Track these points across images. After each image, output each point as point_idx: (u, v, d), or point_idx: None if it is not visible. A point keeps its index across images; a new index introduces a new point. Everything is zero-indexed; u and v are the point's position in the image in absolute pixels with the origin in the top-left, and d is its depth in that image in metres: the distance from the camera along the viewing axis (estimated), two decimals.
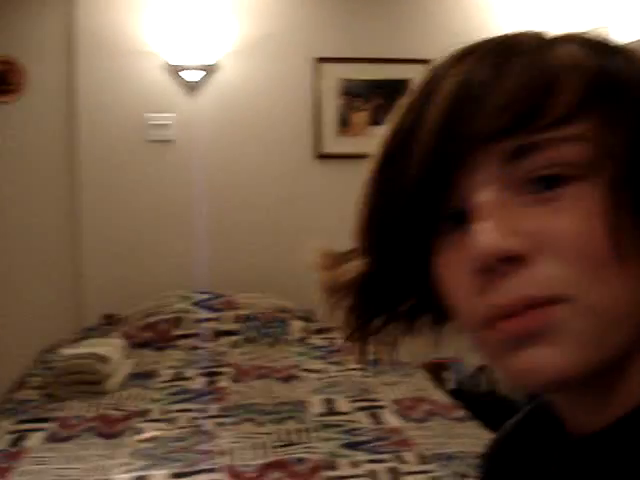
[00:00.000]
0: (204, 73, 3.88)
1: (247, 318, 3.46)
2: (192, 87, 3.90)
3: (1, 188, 3.88)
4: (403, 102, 0.56)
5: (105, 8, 3.81)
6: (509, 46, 0.52)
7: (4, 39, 3.84)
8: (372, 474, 1.96)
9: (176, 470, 1.99)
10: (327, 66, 3.99)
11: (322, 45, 4.00)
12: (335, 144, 4.02)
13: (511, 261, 0.47)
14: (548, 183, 0.48)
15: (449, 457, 2.05)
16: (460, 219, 0.51)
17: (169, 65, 3.86)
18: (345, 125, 4.02)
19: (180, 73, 3.86)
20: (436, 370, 4.03)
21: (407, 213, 0.53)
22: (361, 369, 2.97)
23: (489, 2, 4.10)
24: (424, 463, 2.02)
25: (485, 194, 0.49)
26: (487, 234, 0.47)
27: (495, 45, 0.53)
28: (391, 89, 4.02)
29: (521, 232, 0.47)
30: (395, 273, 0.58)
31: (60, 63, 3.86)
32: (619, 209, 0.47)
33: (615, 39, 0.54)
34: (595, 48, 0.51)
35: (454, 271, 0.51)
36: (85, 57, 3.81)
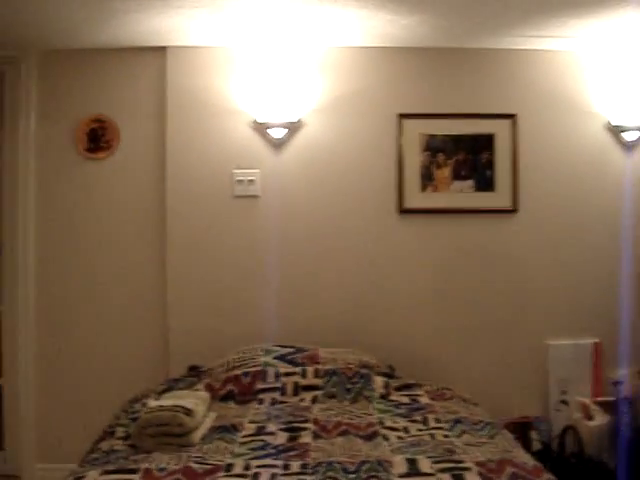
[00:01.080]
0: (288, 130, 3.97)
1: (329, 373, 3.46)
2: (277, 144, 3.99)
3: (93, 240, 4.03)
4: None
5: (195, 69, 3.96)
6: None
7: (99, 98, 4.03)
8: None
9: None
10: (410, 122, 4.03)
11: (405, 101, 4.05)
12: (418, 199, 4.02)
13: None
14: None
15: None
16: None
17: (255, 123, 3.96)
18: (428, 180, 4.03)
19: (266, 130, 3.96)
20: (521, 429, 3.93)
21: None
22: (444, 429, 2.92)
23: (572, 62, 4.08)
24: None
25: None
26: None
27: None
28: (473, 144, 4.03)
29: None
30: None
31: (151, 121, 4.02)
32: None
33: None
34: None
35: None
36: (175, 116, 3.96)
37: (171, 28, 3.65)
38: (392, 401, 3.36)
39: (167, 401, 2.94)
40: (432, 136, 4.04)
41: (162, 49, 3.97)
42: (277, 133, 3.96)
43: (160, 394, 3.34)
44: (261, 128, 3.98)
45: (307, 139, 4.03)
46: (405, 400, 3.37)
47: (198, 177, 3.99)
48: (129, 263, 4.04)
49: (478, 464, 2.50)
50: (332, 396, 3.36)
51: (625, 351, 4.09)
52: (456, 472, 2.42)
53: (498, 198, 4.06)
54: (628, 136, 4.07)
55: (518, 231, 4.06)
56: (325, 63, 4.02)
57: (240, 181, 3.99)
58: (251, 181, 3.99)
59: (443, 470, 2.44)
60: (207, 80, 3.97)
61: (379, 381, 3.50)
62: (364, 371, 3.52)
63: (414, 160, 4.04)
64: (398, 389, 3.51)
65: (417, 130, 4.04)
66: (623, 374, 4.02)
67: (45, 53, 4.02)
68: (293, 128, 3.99)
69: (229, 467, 2.51)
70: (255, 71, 3.96)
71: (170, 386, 3.51)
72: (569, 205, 4.10)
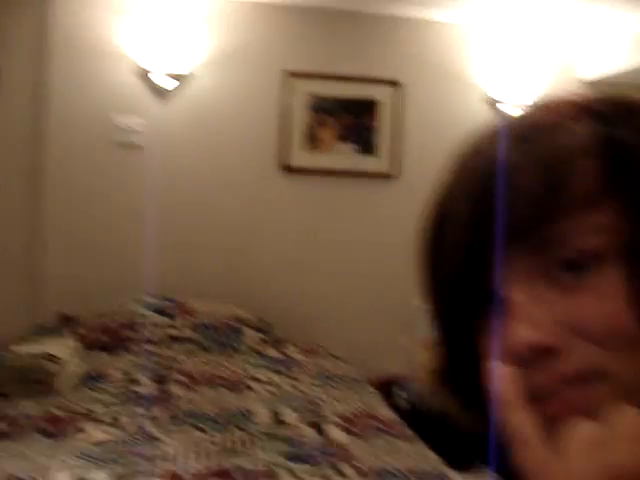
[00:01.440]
0: (176, 82, 3.91)
1: (201, 325, 3.48)
2: (163, 94, 3.93)
3: None
4: (444, 180, 0.59)
5: (80, 9, 3.82)
6: (526, 136, 0.54)
7: None
8: None
9: (117, 473, 2.01)
10: (297, 81, 4.04)
11: (295, 60, 4.05)
12: (301, 158, 4.06)
13: (548, 352, 0.50)
14: (575, 271, 0.50)
15: (387, 473, 2.09)
16: (499, 303, 0.53)
17: (143, 71, 3.88)
18: (313, 140, 4.07)
19: (153, 80, 3.88)
20: (388, 387, 4.08)
21: (449, 295, 0.56)
22: (311, 383, 3.01)
23: (461, 32, 4.19)
24: (362, 478, 2.06)
25: (517, 292, 0.52)
26: (524, 328, 0.50)
27: (515, 134, 0.55)
28: (359, 108, 4.09)
29: (553, 324, 0.50)
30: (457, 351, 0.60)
31: (32, 62, 3.86)
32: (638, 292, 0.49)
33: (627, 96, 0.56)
34: (609, 120, 0.53)
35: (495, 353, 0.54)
36: (57, 57, 3.82)
37: None
38: (263, 355, 3.43)
39: (34, 348, 2.90)
40: (319, 97, 4.07)
41: None
42: (164, 83, 3.89)
43: (27, 341, 3.28)
44: (148, 77, 3.89)
45: (195, 91, 3.98)
46: (276, 354, 3.44)
47: (80, 122, 3.88)
48: (1, 207, 3.90)
49: (340, 417, 2.60)
50: (203, 348, 3.39)
51: None
52: (318, 424, 2.51)
53: (380, 163, 4.14)
54: (505, 109, 4.23)
55: (397, 196, 4.17)
56: (216, 16, 3.96)
57: (123, 129, 3.91)
58: (134, 130, 3.91)
59: (305, 422, 2.53)
60: (94, 23, 3.83)
61: (252, 335, 3.55)
62: (237, 325, 3.56)
63: (299, 119, 4.06)
64: (270, 344, 3.57)
65: (304, 90, 4.06)
66: None
67: None
68: (181, 79, 3.93)
69: (93, 414, 2.51)
70: (146, 19, 3.86)
71: (38, 333, 3.45)
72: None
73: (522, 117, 0.57)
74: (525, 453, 0.45)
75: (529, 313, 0.51)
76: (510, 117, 0.58)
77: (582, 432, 0.45)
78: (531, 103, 0.59)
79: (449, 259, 0.55)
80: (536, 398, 0.51)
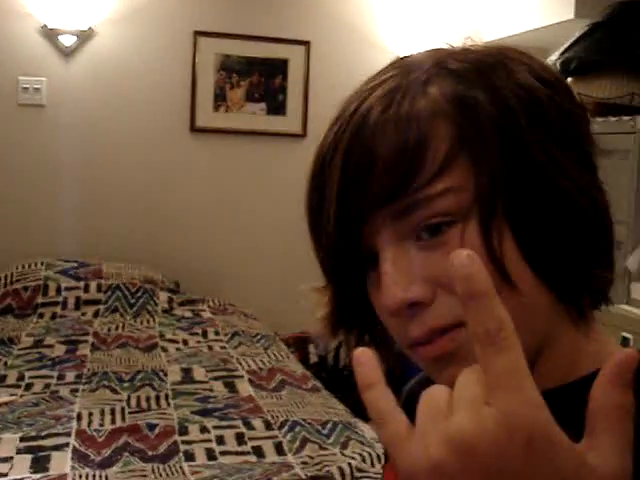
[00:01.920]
0: (79, 38, 3.82)
1: (112, 287, 3.47)
2: (67, 52, 3.84)
3: None
4: (328, 127, 0.63)
5: None
6: (389, 98, 0.57)
7: None
8: (220, 439, 2.05)
9: (26, 434, 2.02)
10: (205, 40, 4.01)
11: (202, 19, 4.02)
12: (210, 119, 4.05)
13: (417, 305, 0.55)
14: (434, 231, 0.55)
15: (294, 423, 2.17)
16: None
17: (44, 28, 3.78)
18: (222, 100, 4.06)
19: (56, 37, 3.79)
20: (299, 343, 4.16)
21: (333, 252, 0.60)
22: (222, 341, 3.06)
23: None
24: (270, 429, 2.14)
25: (385, 253, 0.56)
26: (392, 288, 0.55)
27: (381, 95, 0.58)
28: (268, 67, 4.10)
29: (419, 279, 0.55)
30: (348, 301, 0.65)
31: None
32: (495, 242, 0.54)
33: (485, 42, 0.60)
34: (464, 78, 0.56)
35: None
36: None
37: None
38: (175, 315, 3.45)
39: None
40: (227, 56, 4.06)
41: None
42: (67, 40, 3.80)
43: None
44: (50, 34, 3.79)
45: (99, 50, 3.90)
46: (188, 314, 3.47)
47: None
48: None
49: (250, 372, 2.66)
50: (115, 310, 3.39)
51: None
52: (228, 380, 2.57)
53: (288, 122, 4.17)
54: None
55: (305, 155, 4.17)
56: None
57: (25, 89, 3.82)
58: (37, 89, 3.82)
59: (216, 378, 2.58)
60: None
61: (163, 296, 3.56)
62: (148, 286, 3.57)
63: (208, 79, 4.04)
64: (182, 304, 3.60)
65: (213, 49, 4.03)
66: None
67: None
68: (84, 37, 3.84)
69: (2, 378, 2.50)
70: None
71: None
72: None
73: (388, 77, 0.59)
74: (382, 431, 0.42)
75: (398, 272, 0.55)
76: (379, 76, 0.61)
77: (428, 398, 0.42)
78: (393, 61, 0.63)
79: (327, 217, 0.59)
80: (412, 347, 0.58)
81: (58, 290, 3.41)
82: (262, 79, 4.10)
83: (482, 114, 0.55)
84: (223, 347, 2.99)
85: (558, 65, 2.85)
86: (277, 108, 4.14)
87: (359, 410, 2.84)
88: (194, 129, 4.04)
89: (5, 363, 2.67)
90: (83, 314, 3.33)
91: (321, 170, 0.61)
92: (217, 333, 3.18)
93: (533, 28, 4.00)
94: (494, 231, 0.54)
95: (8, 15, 3.74)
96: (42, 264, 3.55)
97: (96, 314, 3.34)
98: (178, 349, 2.94)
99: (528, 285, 0.55)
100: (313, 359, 4.17)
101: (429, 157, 0.54)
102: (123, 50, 3.93)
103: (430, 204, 0.54)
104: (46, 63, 3.83)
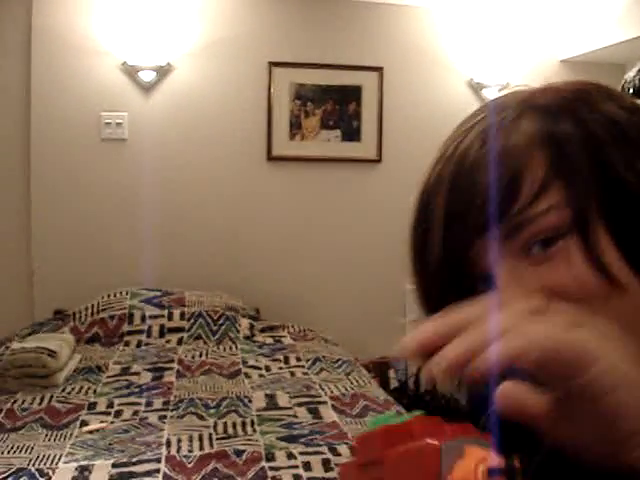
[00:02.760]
0: (158, 74, 3.94)
1: (195, 315, 3.54)
2: (146, 87, 3.97)
3: None
4: (430, 167, 0.70)
5: (62, 7, 3.85)
6: (486, 135, 0.63)
7: None
8: (306, 465, 2.06)
9: (117, 460, 2.07)
10: (280, 70, 4.09)
11: (276, 49, 4.09)
12: (286, 147, 4.11)
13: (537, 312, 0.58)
14: (544, 245, 0.59)
15: None
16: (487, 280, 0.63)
17: (124, 65, 3.91)
18: (297, 128, 4.12)
19: (135, 73, 3.92)
20: (380, 369, 4.15)
21: (439, 279, 0.66)
22: (303, 367, 3.08)
23: (441, 16, 4.23)
24: None
25: (499, 270, 0.61)
26: (512, 300, 0.57)
27: (478, 134, 0.64)
28: (342, 94, 4.14)
29: (534, 291, 0.59)
30: None
31: (15, 60, 3.88)
32: (598, 250, 0.58)
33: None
34: (551, 114, 0.63)
35: None
36: (41, 55, 3.85)
37: None
38: (256, 342, 3.49)
39: (31, 343, 2.95)
40: (302, 85, 4.12)
41: None
42: (146, 76, 3.93)
43: (24, 337, 3.33)
44: (130, 70, 3.93)
45: (177, 83, 4.02)
46: (269, 341, 3.51)
47: (65, 119, 3.91)
48: None
49: (333, 398, 2.66)
50: (198, 337, 3.45)
51: None
52: (312, 405, 2.58)
53: (363, 148, 4.20)
54: (488, 93, 4.28)
55: (381, 180, 4.23)
56: (198, 7, 4.00)
57: (108, 124, 3.95)
58: (119, 124, 3.95)
59: (300, 404, 2.59)
60: (75, 19, 3.86)
61: (244, 323, 3.61)
62: (230, 313, 3.62)
63: (283, 108, 4.11)
64: (262, 330, 3.64)
65: (287, 79, 4.11)
66: None
67: None
68: (163, 72, 3.97)
69: (92, 405, 2.57)
70: (125, 11, 3.89)
71: (34, 329, 3.50)
72: (430, 157, 4.28)
73: (481, 118, 0.66)
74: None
75: (514, 286, 0.60)
76: (472, 119, 0.67)
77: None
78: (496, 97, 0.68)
79: (433, 245, 0.65)
80: None
81: (143, 318, 3.49)
82: (336, 106, 4.14)
83: (570, 141, 0.61)
84: (305, 373, 3.00)
85: (637, 81, 2.80)
86: (352, 134, 4.17)
87: None
88: (271, 158, 4.10)
89: (94, 391, 2.74)
90: (167, 341, 3.40)
91: (426, 204, 0.67)
92: (299, 359, 3.20)
93: (609, 44, 3.94)
94: (596, 241, 0.59)
95: (90, 54, 3.88)
96: (127, 293, 3.65)
97: (180, 341, 3.41)
98: (261, 375, 2.97)
99: (635, 286, 0.59)
100: (393, 384, 4.15)
101: (528, 182, 0.60)
102: (200, 83, 4.03)
103: (536, 221, 0.59)
104: (127, 98, 3.96)
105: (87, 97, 3.92)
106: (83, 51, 3.89)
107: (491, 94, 4.27)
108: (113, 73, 3.93)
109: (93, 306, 3.59)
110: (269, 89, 4.09)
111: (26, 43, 3.86)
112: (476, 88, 4.28)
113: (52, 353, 2.84)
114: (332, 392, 2.75)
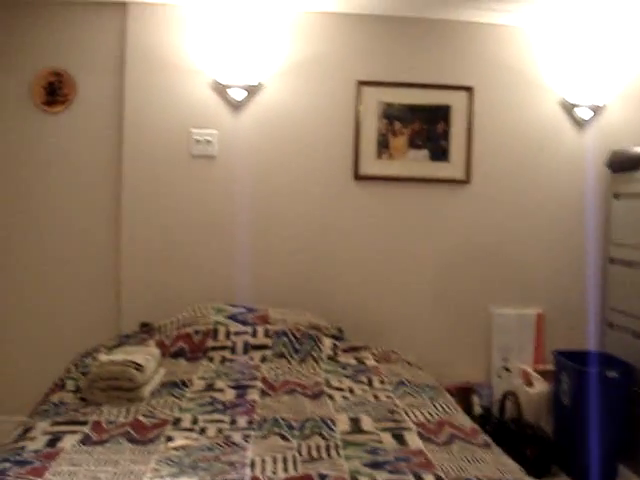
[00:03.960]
0: (248, 92, 3.98)
1: (278, 333, 3.53)
2: (236, 105, 4.00)
3: (48, 196, 4.01)
4: None
5: (155, 26, 3.94)
6: None
7: (56, 51, 3.98)
8: None
9: (202, 479, 2.06)
10: (369, 89, 4.07)
11: (365, 68, 4.08)
12: (374, 166, 4.08)
13: None
14: None
15: None
16: None
17: (215, 83, 3.96)
18: (384, 147, 4.08)
19: (225, 91, 3.97)
20: (463, 394, 4.06)
21: None
22: (387, 390, 3.03)
23: (529, 38, 4.15)
24: None
25: None
26: None
27: None
28: (431, 114, 4.09)
29: None
30: None
31: (109, 77, 3.99)
32: None
33: None
34: None
35: None
36: (134, 72, 3.94)
37: None
38: (339, 362, 3.46)
39: (118, 356, 2.99)
40: (390, 104, 4.09)
41: (122, 4, 3.93)
42: (237, 94, 3.97)
43: (111, 349, 3.39)
44: (221, 89, 3.98)
45: (266, 102, 4.05)
46: (352, 362, 3.47)
47: (155, 135, 3.99)
48: (83, 219, 4.04)
49: (418, 424, 2.60)
50: (281, 356, 3.44)
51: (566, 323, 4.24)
52: (396, 431, 2.52)
53: (452, 168, 4.14)
54: (580, 113, 4.16)
55: (469, 201, 4.16)
56: (288, 27, 4.03)
57: (198, 141, 4.01)
58: (209, 141, 4.01)
59: (385, 429, 2.54)
60: (168, 38, 3.95)
61: (327, 343, 3.58)
62: (313, 332, 3.60)
63: (371, 127, 4.09)
64: (345, 351, 3.60)
65: (375, 98, 4.08)
66: None
67: (2, 3, 3.95)
68: (253, 90, 4.00)
69: (177, 421, 2.58)
70: (216, 31, 3.95)
71: (121, 342, 3.56)
72: (520, 178, 4.20)
73: None
74: None
75: None
76: None
77: None
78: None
79: None
80: None
81: (227, 335, 3.50)
82: (424, 126, 4.09)
83: None
84: (389, 397, 2.95)
85: None
86: (440, 154, 4.11)
87: (529, 467, 2.71)
88: (358, 177, 4.08)
89: (179, 406, 2.75)
90: (251, 358, 3.40)
91: None
92: (382, 382, 3.15)
93: None
94: None
95: (182, 72, 3.95)
96: (212, 309, 3.67)
97: (263, 359, 3.40)
98: (344, 397, 2.93)
99: None
100: (477, 410, 4.05)
101: None
102: (289, 101, 4.05)
103: None
104: (217, 116, 4.01)
105: (178, 114, 3.99)
106: (175, 69, 3.96)
107: (584, 114, 4.15)
108: (204, 91, 3.99)
109: (179, 320, 3.63)
110: (357, 108, 4.07)
111: (120, 60, 3.96)
112: (568, 108, 4.17)
113: (139, 366, 2.86)
114: (417, 418, 2.69)
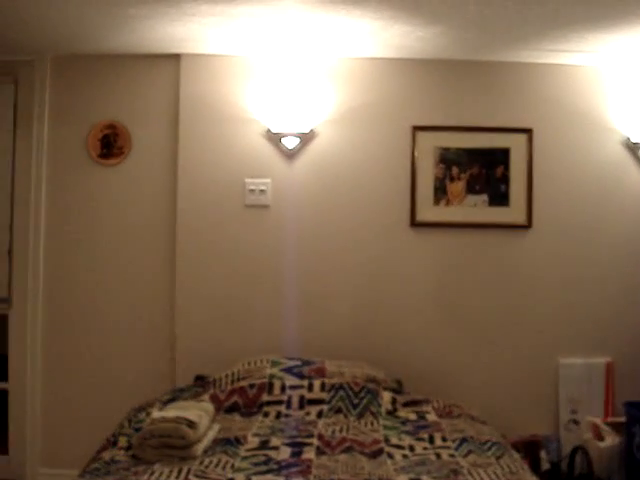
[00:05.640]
0: (302, 140, 3.95)
1: (335, 387, 3.42)
2: (289, 154, 3.97)
3: (104, 248, 4.02)
4: None
5: (208, 77, 3.95)
6: None
7: (112, 104, 4.03)
8: None
9: None
10: (424, 134, 3.99)
11: (419, 113, 4.02)
12: (431, 212, 3.98)
13: None
14: None
15: None
16: None
17: (268, 132, 3.94)
18: (442, 193, 3.99)
19: (279, 140, 3.94)
20: (530, 448, 3.88)
21: None
22: (450, 448, 2.88)
23: (589, 77, 4.03)
24: None
25: None
26: None
27: None
28: (489, 158, 3.99)
29: None
30: None
31: (164, 129, 4.01)
32: None
33: None
34: None
35: None
36: (187, 124, 3.95)
37: (185, 36, 3.63)
38: (399, 417, 3.32)
39: (170, 412, 2.92)
40: (446, 149, 4.00)
41: (176, 56, 3.96)
42: (290, 143, 3.94)
43: (165, 403, 3.33)
44: (274, 137, 3.96)
45: (320, 150, 4.00)
46: (412, 416, 3.33)
47: (209, 185, 3.97)
48: (138, 270, 4.03)
49: None
50: (338, 410, 3.33)
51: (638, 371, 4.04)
52: None
53: (512, 213, 4.01)
54: None
55: (531, 247, 4.01)
56: (339, 74, 4.00)
57: (252, 190, 3.97)
58: (262, 191, 3.97)
59: None
60: (220, 88, 3.95)
61: (386, 396, 3.46)
62: (371, 386, 3.48)
63: (428, 173, 4.00)
64: (405, 405, 3.47)
65: (431, 143, 4.00)
66: None
67: (59, 58, 4.02)
68: (306, 138, 3.97)
69: None
70: (268, 80, 3.94)
71: (175, 395, 3.49)
72: (584, 222, 4.04)
73: None
74: None
75: None
76: None
77: None
78: None
79: None
80: None
81: (283, 388, 3.41)
82: (483, 170, 3.99)
83: None
84: (452, 455, 2.80)
85: None
86: (499, 199, 4.00)
87: None
88: (414, 223, 3.99)
89: (232, 465, 2.65)
90: (307, 414, 3.29)
91: None
92: (444, 439, 3.00)
93: None
94: None
95: (235, 121, 3.95)
96: (267, 361, 3.58)
97: (320, 414, 3.29)
98: (405, 456, 2.79)
99: None
100: (545, 466, 3.86)
101: None
102: (343, 148, 4.00)
103: None
104: (270, 165, 3.98)
105: (232, 164, 3.97)
106: (228, 119, 3.95)
107: None
108: (257, 140, 3.97)
109: (233, 374, 3.55)
110: (413, 153, 4.00)
111: (173, 111, 3.97)
112: (633, 148, 4.03)
113: (191, 424, 2.79)
114: (482, 478, 2.53)
